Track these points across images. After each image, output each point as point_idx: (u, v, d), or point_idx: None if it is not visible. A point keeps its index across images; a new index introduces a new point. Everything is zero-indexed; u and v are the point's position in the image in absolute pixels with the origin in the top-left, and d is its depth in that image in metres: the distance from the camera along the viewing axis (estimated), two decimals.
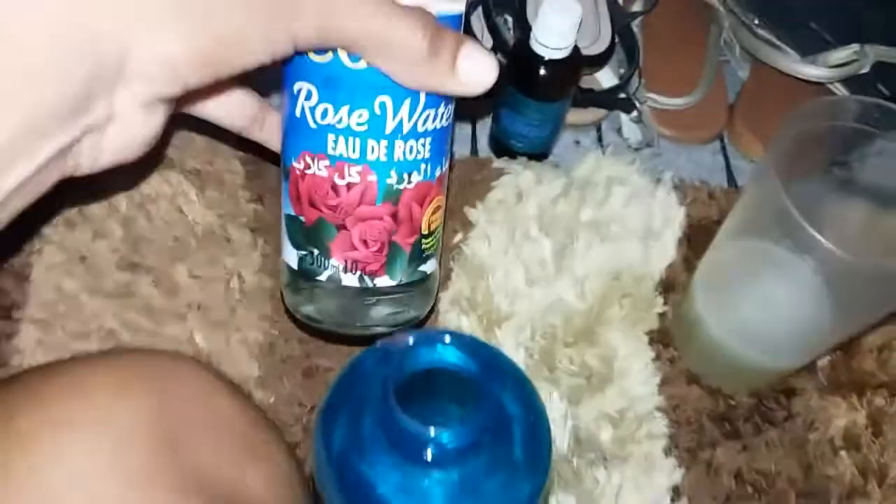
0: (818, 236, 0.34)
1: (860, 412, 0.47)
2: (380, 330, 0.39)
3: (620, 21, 0.58)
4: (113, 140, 0.28)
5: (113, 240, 0.45)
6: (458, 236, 0.50)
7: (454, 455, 0.25)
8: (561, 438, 0.43)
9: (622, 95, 0.57)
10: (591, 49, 0.56)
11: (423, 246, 0.37)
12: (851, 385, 0.47)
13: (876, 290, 0.38)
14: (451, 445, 0.25)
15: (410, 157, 0.34)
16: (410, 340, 0.27)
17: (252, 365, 0.44)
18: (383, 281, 0.36)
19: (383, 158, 0.33)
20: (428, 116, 0.33)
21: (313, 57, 0.31)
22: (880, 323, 0.47)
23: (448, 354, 0.26)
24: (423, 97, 0.33)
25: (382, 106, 0.32)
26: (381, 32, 0.29)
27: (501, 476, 0.27)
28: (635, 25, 0.60)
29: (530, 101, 0.50)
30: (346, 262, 0.35)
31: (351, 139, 0.32)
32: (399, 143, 0.33)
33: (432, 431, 0.24)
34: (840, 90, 0.58)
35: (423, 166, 0.34)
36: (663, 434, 0.45)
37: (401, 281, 0.37)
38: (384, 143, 0.32)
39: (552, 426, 0.43)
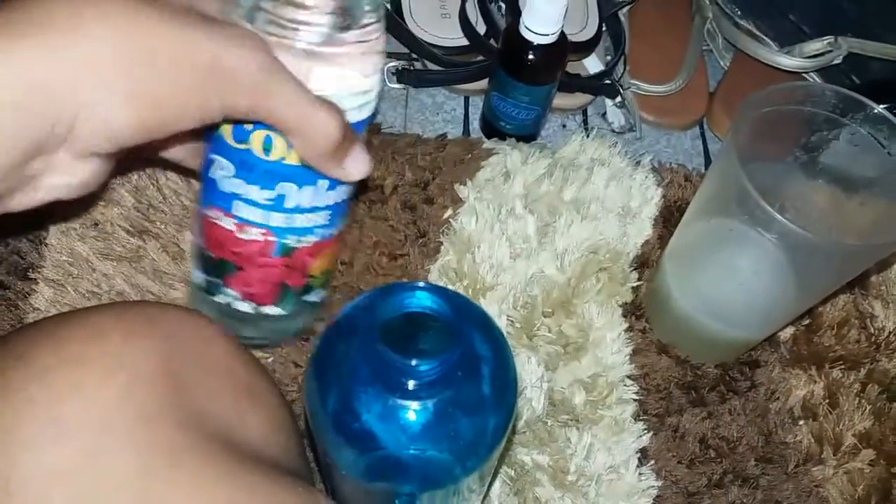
0: (774, 213, 0.36)
1: (818, 384, 0.50)
2: (265, 342, 0.45)
3: (607, 9, 0.61)
4: (48, 183, 0.31)
5: (124, 207, 0.48)
6: (448, 212, 0.53)
7: (430, 386, 0.29)
8: (537, 400, 0.46)
9: (607, 81, 0.60)
10: (579, 36, 0.58)
11: (312, 284, 0.41)
12: (811, 358, 0.50)
13: (834, 265, 0.41)
14: (428, 377, 0.28)
15: (308, 225, 0.37)
16: (392, 289, 0.30)
17: None
18: (273, 310, 0.40)
19: (283, 225, 0.37)
20: (328, 196, 0.37)
21: (232, 143, 0.35)
22: (836, 293, 0.51)
23: (424, 299, 0.30)
24: (322, 185, 0.36)
25: (286, 189, 0.36)
26: (304, 117, 0.32)
27: (471, 408, 0.30)
28: (622, 14, 0.63)
29: (519, 85, 0.52)
30: (241, 294, 0.39)
31: (257, 209, 0.36)
32: (298, 216, 0.37)
33: (412, 362, 0.27)
34: (815, 80, 0.60)
35: (319, 230, 0.38)
36: (633, 400, 0.48)
37: (289, 311, 0.41)
38: (285, 215, 0.36)
39: (529, 389, 0.46)
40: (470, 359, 0.31)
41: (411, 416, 0.30)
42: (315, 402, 0.31)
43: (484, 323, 0.33)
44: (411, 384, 0.30)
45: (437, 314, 0.30)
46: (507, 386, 0.32)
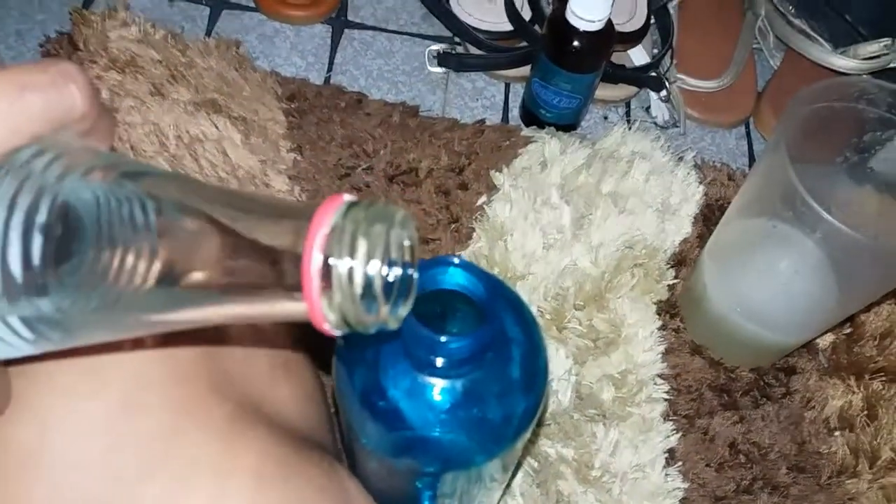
0: (821, 211, 0.35)
1: (857, 395, 0.48)
2: None
3: (656, 1, 0.60)
4: None
5: None
6: (482, 198, 0.52)
7: (459, 365, 0.28)
8: (563, 393, 0.45)
9: (653, 74, 0.58)
10: (626, 26, 0.57)
11: None
12: (851, 368, 0.49)
13: (879, 270, 0.39)
14: (457, 354, 0.27)
15: None
16: (425, 265, 0.29)
17: None
18: None
19: None
20: None
21: None
22: (880, 301, 0.49)
23: (457, 276, 0.29)
24: None
25: None
26: None
27: (500, 390, 0.29)
28: (671, 6, 0.62)
29: (562, 72, 0.51)
30: None
31: None
32: None
33: (442, 339, 0.27)
34: None
35: None
36: (663, 399, 0.47)
37: None
38: None
39: (556, 381, 0.45)
40: (501, 340, 0.30)
41: (438, 394, 0.29)
42: (342, 375, 0.31)
43: (517, 305, 0.32)
44: (440, 362, 0.29)
45: (470, 292, 0.29)
46: (537, 371, 0.31)
